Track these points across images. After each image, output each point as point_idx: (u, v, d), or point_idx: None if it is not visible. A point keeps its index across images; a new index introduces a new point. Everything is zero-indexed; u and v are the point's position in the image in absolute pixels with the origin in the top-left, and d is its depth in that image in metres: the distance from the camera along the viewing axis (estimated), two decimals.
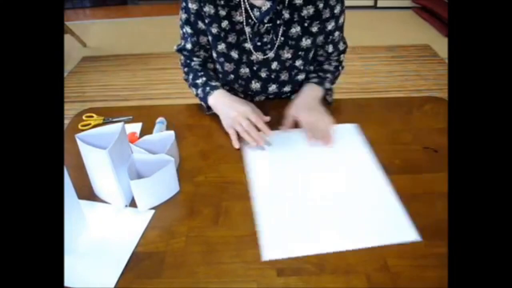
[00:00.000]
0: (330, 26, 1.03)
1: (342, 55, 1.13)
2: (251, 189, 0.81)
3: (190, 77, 1.09)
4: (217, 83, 1.05)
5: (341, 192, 0.80)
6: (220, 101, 0.99)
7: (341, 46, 1.10)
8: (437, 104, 1.09)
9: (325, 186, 0.82)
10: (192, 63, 1.10)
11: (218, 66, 1.11)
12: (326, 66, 1.11)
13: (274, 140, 0.94)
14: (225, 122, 0.96)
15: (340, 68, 1.14)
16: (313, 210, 0.76)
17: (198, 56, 1.10)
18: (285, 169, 0.86)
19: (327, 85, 1.07)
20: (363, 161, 0.88)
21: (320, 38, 1.05)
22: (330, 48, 1.08)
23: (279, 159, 0.89)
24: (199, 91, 1.04)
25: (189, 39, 1.06)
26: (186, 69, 1.12)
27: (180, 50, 1.10)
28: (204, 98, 1.02)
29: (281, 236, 0.71)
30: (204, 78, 1.06)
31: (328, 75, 1.09)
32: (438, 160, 0.89)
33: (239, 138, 0.93)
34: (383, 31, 3.42)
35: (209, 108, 1.03)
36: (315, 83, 1.06)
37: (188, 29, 1.04)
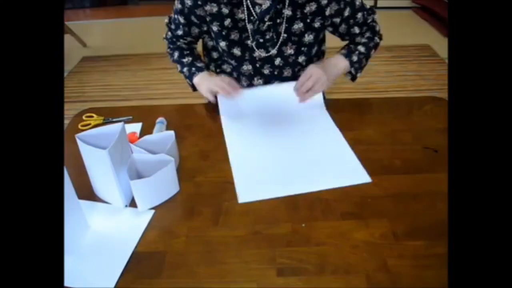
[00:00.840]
0: (347, 12, 1.02)
1: (372, 24, 1.10)
2: (228, 149, 0.91)
3: (176, 54, 1.14)
4: (202, 64, 1.11)
5: (304, 146, 0.92)
6: (204, 78, 1.07)
7: (369, 19, 1.08)
8: (437, 104, 1.09)
9: (291, 142, 0.93)
10: (178, 43, 1.13)
11: (220, 62, 1.12)
12: (358, 39, 1.11)
13: (251, 101, 1.04)
14: (205, 90, 1.05)
15: (376, 37, 1.11)
16: (281, 161, 0.87)
17: (185, 39, 1.12)
18: (257, 130, 0.97)
19: (354, 57, 1.07)
20: (324, 122, 1.01)
21: (342, 27, 1.06)
22: (356, 30, 1.08)
23: (252, 122, 1.00)
24: (185, 69, 1.11)
25: (180, 26, 1.08)
26: (171, 46, 1.15)
27: (170, 29, 1.13)
28: (189, 77, 1.10)
29: (254, 183, 0.82)
30: (190, 58, 1.12)
31: (360, 47, 1.09)
32: (438, 160, 0.89)
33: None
34: (383, 31, 3.42)
35: (193, 87, 1.12)
36: (342, 54, 1.08)
37: (181, 19, 1.06)
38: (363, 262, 0.67)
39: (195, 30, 1.07)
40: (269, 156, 0.89)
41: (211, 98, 1.04)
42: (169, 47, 1.17)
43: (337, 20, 1.03)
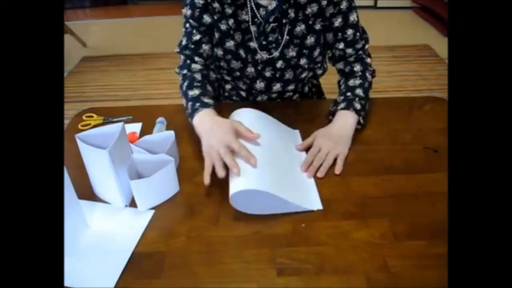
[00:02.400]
0: (337, 22, 1.00)
1: (361, 55, 1.06)
2: None
3: (185, 84, 0.98)
4: (210, 100, 0.92)
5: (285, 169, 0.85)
6: (204, 123, 0.87)
7: (359, 45, 1.04)
8: (437, 104, 1.09)
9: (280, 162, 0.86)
10: (193, 66, 1.02)
11: (223, 63, 1.07)
12: (351, 82, 1.03)
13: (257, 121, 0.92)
14: (204, 149, 0.84)
15: (367, 74, 1.04)
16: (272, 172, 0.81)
17: (201, 55, 1.02)
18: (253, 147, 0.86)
19: (357, 105, 0.96)
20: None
21: (330, 36, 1.03)
22: (341, 45, 1.04)
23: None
24: (189, 104, 0.92)
25: (194, 30, 1.00)
26: (184, 71, 1.02)
27: (182, 49, 1.03)
28: (191, 115, 0.90)
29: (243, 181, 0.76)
30: (196, 92, 0.94)
31: (358, 91, 1.00)
32: (438, 160, 0.89)
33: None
34: (383, 31, 3.42)
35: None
36: (343, 108, 0.96)
37: (193, 23, 1.00)
38: (363, 262, 0.67)
39: (207, 36, 1.02)
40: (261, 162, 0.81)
41: (208, 169, 0.80)
42: (182, 76, 1.03)
43: (328, 24, 1.01)
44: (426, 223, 0.74)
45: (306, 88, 1.21)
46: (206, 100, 0.92)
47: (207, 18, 0.99)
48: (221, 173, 0.78)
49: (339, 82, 1.10)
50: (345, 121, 0.95)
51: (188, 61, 1.03)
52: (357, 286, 0.63)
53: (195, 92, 0.95)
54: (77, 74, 2.96)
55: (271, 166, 0.83)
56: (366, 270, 0.66)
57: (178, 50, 1.05)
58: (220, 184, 0.83)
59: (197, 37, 1.01)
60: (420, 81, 2.68)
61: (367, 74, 1.05)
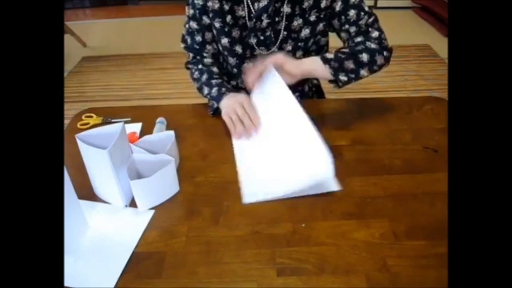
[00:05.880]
0: (338, 6, 0.98)
1: (364, 28, 0.99)
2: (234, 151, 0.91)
3: (205, 76, 1.06)
4: (230, 87, 1.05)
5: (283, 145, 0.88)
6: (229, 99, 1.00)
7: (362, 20, 0.98)
8: (437, 104, 1.09)
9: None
10: (205, 60, 1.08)
11: (221, 60, 1.11)
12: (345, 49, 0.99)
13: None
14: (223, 111, 0.98)
15: (369, 42, 0.97)
16: (276, 162, 0.86)
17: (207, 52, 1.08)
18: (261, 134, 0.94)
19: (329, 55, 0.94)
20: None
21: (336, 22, 1.00)
22: (345, 26, 1.00)
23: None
24: (214, 90, 1.02)
25: (196, 32, 1.05)
26: (199, 66, 1.08)
27: (188, 47, 1.09)
28: (218, 97, 1.01)
29: (258, 184, 0.82)
30: (219, 80, 1.06)
31: (343, 49, 0.96)
32: (438, 160, 0.89)
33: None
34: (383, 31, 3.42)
35: (215, 110, 1.05)
36: (314, 55, 0.98)
37: (194, 25, 1.04)
38: (363, 262, 0.67)
39: (209, 35, 1.06)
40: (268, 156, 0.88)
41: (230, 125, 0.95)
42: (196, 70, 1.09)
43: (329, 13, 1.00)
44: (426, 223, 0.74)
45: (306, 88, 1.21)
46: (228, 86, 1.05)
47: (205, 19, 1.02)
48: (241, 133, 0.93)
49: None
50: (310, 59, 0.96)
51: (198, 57, 1.09)
52: (357, 286, 0.63)
53: (217, 81, 1.05)
54: (77, 74, 2.96)
55: (277, 160, 0.86)
56: (366, 270, 0.66)
57: (184, 45, 1.10)
58: (220, 184, 0.83)
59: (199, 37, 1.06)
60: (420, 81, 2.68)
61: (367, 43, 0.97)
